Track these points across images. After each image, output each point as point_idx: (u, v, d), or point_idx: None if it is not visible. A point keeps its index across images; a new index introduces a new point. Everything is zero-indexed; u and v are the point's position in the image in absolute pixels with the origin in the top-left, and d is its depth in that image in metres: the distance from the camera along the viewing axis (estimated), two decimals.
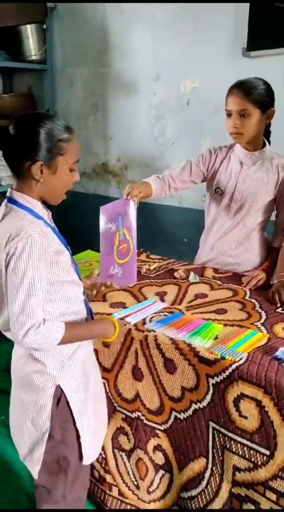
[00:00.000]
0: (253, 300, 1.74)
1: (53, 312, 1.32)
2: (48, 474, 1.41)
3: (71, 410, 1.37)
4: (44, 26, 3.59)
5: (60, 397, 1.35)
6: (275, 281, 1.80)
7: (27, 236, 1.20)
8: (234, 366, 1.32)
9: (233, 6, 2.63)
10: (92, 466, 1.75)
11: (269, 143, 2.00)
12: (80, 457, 1.42)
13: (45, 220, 1.32)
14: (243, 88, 1.82)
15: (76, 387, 1.38)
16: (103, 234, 1.81)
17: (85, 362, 1.43)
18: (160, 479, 1.61)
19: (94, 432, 1.47)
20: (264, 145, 1.97)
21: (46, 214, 1.36)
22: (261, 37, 2.52)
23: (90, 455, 1.46)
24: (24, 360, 1.35)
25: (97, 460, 1.73)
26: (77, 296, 1.39)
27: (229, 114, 1.87)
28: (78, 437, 1.40)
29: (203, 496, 1.49)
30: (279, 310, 1.66)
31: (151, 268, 2.07)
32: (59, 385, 1.34)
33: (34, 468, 1.39)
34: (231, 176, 2.00)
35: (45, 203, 1.37)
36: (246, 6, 2.53)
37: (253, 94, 1.81)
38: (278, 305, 1.68)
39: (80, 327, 1.38)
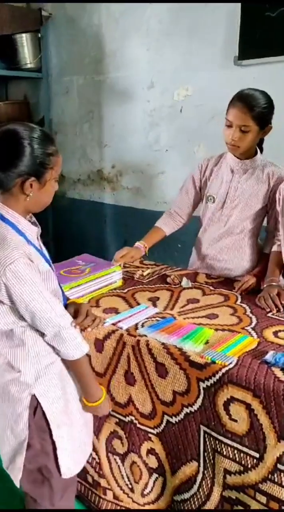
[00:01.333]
0: (244, 305, 1.77)
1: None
2: (33, 483, 1.41)
3: (47, 421, 1.36)
4: (39, 35, 3.63)
5: (36, 407, 1.35)
6: (264, 286, 1.82)
7: (11, 263, 1.20)
8: (224, 370, 1.35)
9: (225, 16, 2.68)
10: (86, 471, 1.77)
11: (262, 150, 2.03)
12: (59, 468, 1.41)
13: (27, 238, 1.31)
14: (248, 104, 1.81)
15: (52, 398, 1.37)
16: (69, 261, 2.03)
17: (63, 374, 1.42)
18: (154, 482, 1.62)
19: (79, 444, 1.47)
20: (256, 153, 1.99)
21: (34, 230, 1.36)
22: (252, 46, 2.57)
23: (69, 469, 1.43)
24: (1, 370, 1.36)
25: (91, 464, 1.75)
26: None
27: (229, 125, 1.87)
28: (54, 448, 1.39)
29: (195, 499, 1.50)
30: (269, 315, 1.68)
31: (144, 274, 2.10)
32: (34, 394, 1.34)
33: (16, 477, 1.39)
34: (222, 184, 2.04)
35: (35, 215, 1.38)
36: (237, 16, 2.58)
37: (256, 111, 1.81)
38: (268, 309, 1.70)
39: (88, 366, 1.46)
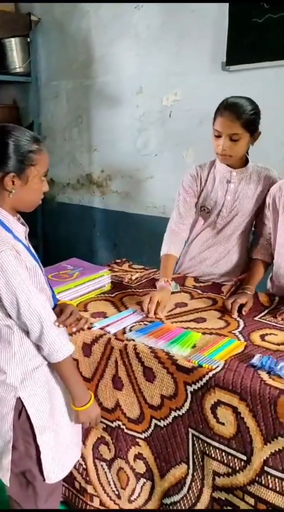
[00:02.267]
0: None
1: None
2: (19, 486, 1.41)
3: (31, 424, 1.35)
4: (28, 39, 3.63)
5: (21, 410, 1.34)
6: (239, 291, 1.83)
7: None
8: (211, 374, 1.35)
9: (213, 21, 2.70)
10: (73, 477, 1.76)
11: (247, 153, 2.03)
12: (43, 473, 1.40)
13: (15, 235, 1.31)
14: (235, 112, 1.79)
15: (38, 402, 1.36)
16: (57, 265, 2.02)
17: (50, 378, 1.41)
18: (141, 487, 1.62)
19: (66, 449, 1.46)
20: (247, 161, 1.96)
21: (22, 229, 1.36)
22: (239, 52, 2.59)
23: (54, 473, 1.42)
24: None
25: (78, 471, 1.74)
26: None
27: (218, 135, 1.84)
28: (38, 452, 1.38)
29: (185, 501, 1.50)
30: (256, 318, 1.69)
31: (133, 278, 2.10)
32: (19, 397, 1.34)
33: (4, 476, 1.39)
34: (218, 194, 2.00)
35: (21, 214, 1.38)
36: (225, 22, 2.60)
37: (244, 118, 1.79)
38: (235, 315, 1.71)
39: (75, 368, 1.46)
